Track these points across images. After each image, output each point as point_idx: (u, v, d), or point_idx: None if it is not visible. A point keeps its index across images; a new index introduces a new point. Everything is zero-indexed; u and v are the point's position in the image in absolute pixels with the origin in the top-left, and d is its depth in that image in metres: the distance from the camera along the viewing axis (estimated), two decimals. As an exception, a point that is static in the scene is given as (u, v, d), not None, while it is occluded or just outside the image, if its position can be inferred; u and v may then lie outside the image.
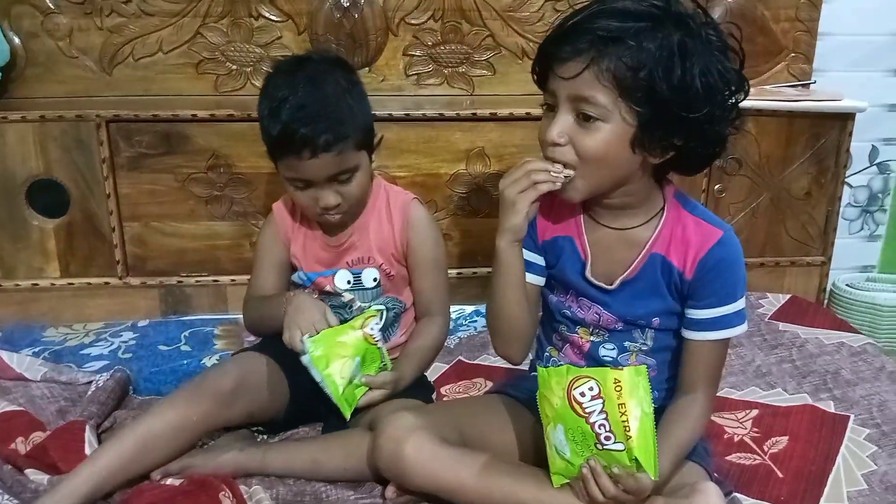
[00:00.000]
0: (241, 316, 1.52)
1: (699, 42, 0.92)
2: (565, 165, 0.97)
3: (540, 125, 1.00)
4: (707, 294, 1.03)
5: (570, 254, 1.08)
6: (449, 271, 1.69)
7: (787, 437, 1.27)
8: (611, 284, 1.06)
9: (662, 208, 1.05)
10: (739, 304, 1.04)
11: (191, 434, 1.12)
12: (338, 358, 1.16)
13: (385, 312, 1.29)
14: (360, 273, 1.27)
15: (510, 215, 0.99)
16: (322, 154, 1.14)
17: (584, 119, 0.95)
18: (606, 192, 1.02)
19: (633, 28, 0.91)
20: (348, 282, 1.28)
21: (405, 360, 1.28)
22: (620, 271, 1.05)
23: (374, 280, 1.27)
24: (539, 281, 1.12)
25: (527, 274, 1.09)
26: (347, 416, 1.16)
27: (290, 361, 1.20)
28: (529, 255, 1.10)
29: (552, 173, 0.97)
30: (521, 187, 0.97)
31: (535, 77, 1.02)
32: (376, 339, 1.21)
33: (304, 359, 1.15)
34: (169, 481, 1.10)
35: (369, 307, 1.27)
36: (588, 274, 1.07)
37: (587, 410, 0.92)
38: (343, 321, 1.24)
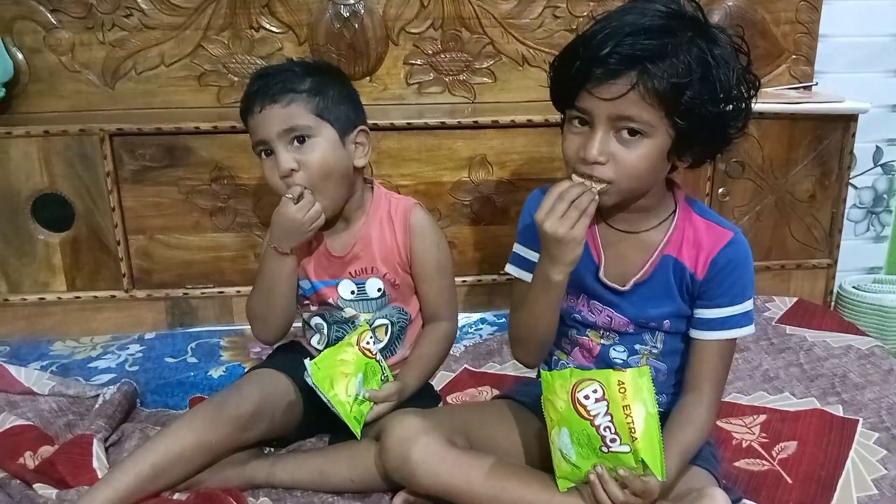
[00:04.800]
0: (247, 327, 1.53)
1: (721, 47, 0.94)
2: (602, 180, 0.97)
3: (566, 141, 0.99)
4: (718, 294, 1.04)
5: (583, 255, 1.08)
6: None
7: (795, 442, 1.26)
8: (624, 286, 1.07)
9: (674, 211, 1.06)
10: (748, 305, 1.05)
11: (208, 456, 1.11)
12: (341, 377, 1.16)
13: (390, 326, 1.29)
14: (364, 283, 1.27)
15: (570, 250, 0.97)
16: (270, 105, 1.15)
17: (627, 136, 0.95)
18: (635, 198, 1.02)
19: (671, 44, 0.91)
20: (352, 292, 1.27)
21: (409, 367, 1.27)
22: (633, 273, 1.06)
23: (379, 290, 1.27)
24: None
25: None
26: (358, 434, 1.16)
27: (303, 375, 1.20)
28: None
29: (593, 191, 0.96)
30: (572, 220, 0.95)
31: (555, 94, 1.01)
32: (374, 352, 1.21)
33: (309, 381, 1.15)
34: (176, 496, 1.10)
35: (373, 321, 1.28)
36: (602, 275, 1.08)
37: (592, 413, 0.92)
38: (344, 335, 1.25)
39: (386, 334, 1.30)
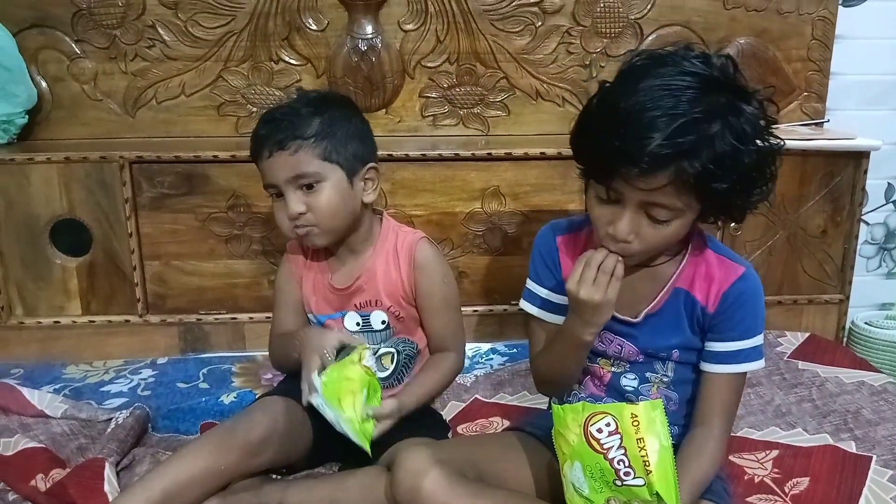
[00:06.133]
0: (259, 354, 1.54)
1: (749, 119, 0.92)
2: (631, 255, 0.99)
3: (594, 210, 1.00)
4: (729, 327, 1.04)
5: None
6: (465, 309, 1.70)
7: (808, 478, 1.25)
8: (635, 317, 1.07)
9: (686, 245, 1.07)
10: (758, 340, 1.06)
11: (218, 481, 1.11)
12: (348, 394, 1.15)
13: (396, 354, 1.30)
14: (369, 316, 1.28)
15: (604, 313, 1.00)
16: (278, 152, 1.17)
17: (656, 218, 0.95)
18: None
19: (706, 136, 0.89)
20: (357, 323, 1.28)
21: (408, 388, 1.27)
22: (644, 305, 1.07)
23: (383, 322, 1.28)
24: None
25: (555, 318, 1.12)
26: (369, 448, 1.15)
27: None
28: (559, 299, 1.12)
29: (619, 257, 0.99)
30: (604, 286, 0.97)
31: (580, 162, 1.01)
32: (375, 370, 1.21)
33: (316, 399, 1.14)
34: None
35: (378, 349, 1.28)
36: None
37: (605, 446, 0.92)
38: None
39: (392, 362, 1.30)
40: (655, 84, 0.90)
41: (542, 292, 1.14)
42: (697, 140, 0.89)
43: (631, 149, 0.89)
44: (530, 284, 1.16)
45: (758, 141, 0.93)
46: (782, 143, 0.97)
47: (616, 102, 0.92)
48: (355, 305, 1.28)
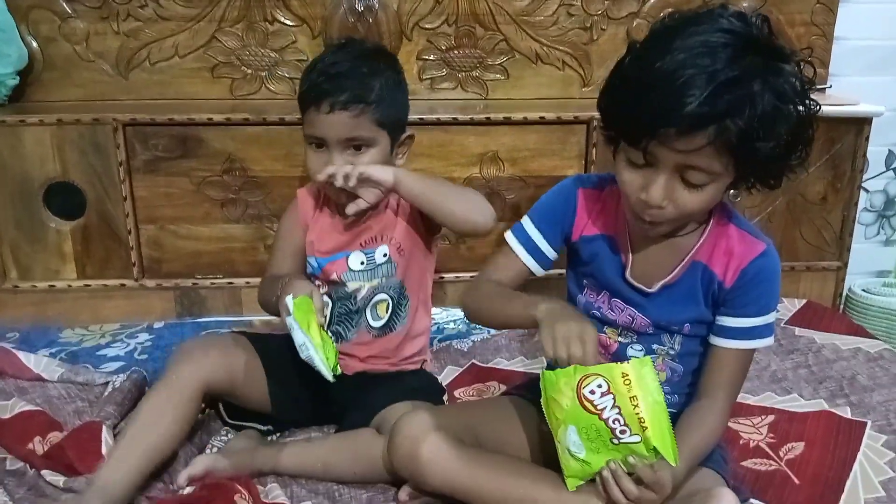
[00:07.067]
0: (256, 318, 1.53)
1: (786, 78, 0.89)
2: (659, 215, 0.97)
3: (623, 176, 0.97)
4: (743, 303, 1.03)
5: (609, 254, 1.08)
6: (462, 275, 1.75)
7: (803, 443, 1.26)
8: (650, 287, 1.06)
9: (707, 218, 1.04)
10: (771, 317, 1.04)
11: (183, 399, 1.15)
12: (315, 323, 1.14)
13: (391, 302, 1.31)
14: (373, 252, 1.29)
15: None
16: (339, 111, 1.18)
17: (692, 180, 0.93)
18: None
19: (748, 94, 0.86)
20: (362, 262, 1.29)
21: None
22: (661, 276, 1.06)
23: (385, 255, 1.29)
24: (539, 271, 1.12)
25: (530, 261, 1.10)
26: (331, 376, 1.13)
27: (264, 348, 1.26)
28: (544, 246, 1.10)
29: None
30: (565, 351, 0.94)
31: (611, 125, 0.98)
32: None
33: (289, 319, 1.13)
34: (186, 490, 1.11)
35: (373, 297, 1.29)
36: (628, 275, 1.07)
37: (599, 407, 0.92)
38: (346, 311, 1.28)
39: (387, 311, 1.31)
40: (692, 42, 0.87)
41: (534, 234, 1.10)
42: (738, 99, 0.86)
43: (669, 109, 0.86)
44: (525, 221, 1.12)
45: (798, 102, 0.90)
46: (819, 106, 0.94)
47: (651, 62, 0.89)
48: (360, 244, 1.29)
